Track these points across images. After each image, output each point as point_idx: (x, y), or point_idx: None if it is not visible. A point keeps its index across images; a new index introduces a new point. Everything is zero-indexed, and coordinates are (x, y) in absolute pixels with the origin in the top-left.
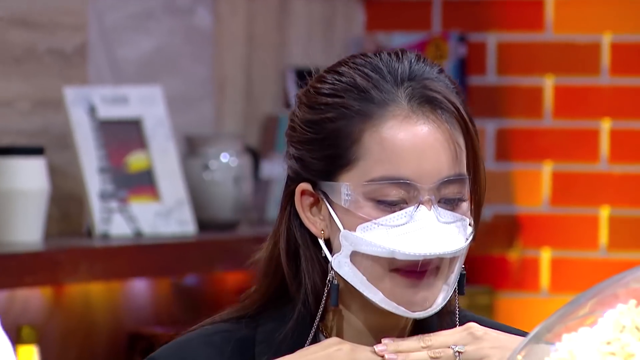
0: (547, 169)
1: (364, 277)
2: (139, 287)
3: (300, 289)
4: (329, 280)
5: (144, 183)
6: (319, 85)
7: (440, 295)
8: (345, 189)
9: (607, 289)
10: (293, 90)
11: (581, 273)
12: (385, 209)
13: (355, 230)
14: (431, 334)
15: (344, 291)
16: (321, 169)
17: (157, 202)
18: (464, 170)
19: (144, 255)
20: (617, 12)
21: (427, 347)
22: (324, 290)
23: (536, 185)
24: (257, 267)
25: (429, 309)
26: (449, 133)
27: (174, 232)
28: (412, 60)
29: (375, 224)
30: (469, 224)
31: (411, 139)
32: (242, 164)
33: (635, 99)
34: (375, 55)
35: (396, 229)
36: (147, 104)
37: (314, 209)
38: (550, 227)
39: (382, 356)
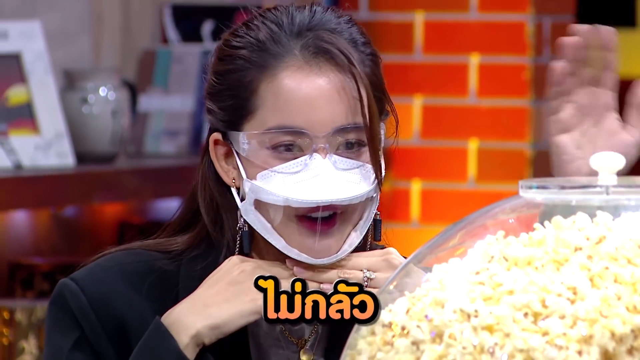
0: (417, 103)
1: (268, 224)
2: (19, 219)
3: (222, 234)
4: (239, 227)
5: (23, 116)
6: (230, 38)
7: (346, 242)
8: (243, 137)
9: (476, 221)
10: (170, 25)
11: (451, 204)
12: (281, 157)
13: (256, 179)
14: (351, 254)
15: (258, 238)
16: (227, 119)
17: (37, 135)
18: (361, 119)
19: (24, 187)
20: None
21: (340, 267)
22: (237, 234)
23: (407, 119)
24: (180, 212)
25: (333, 256)
26: (342, 84)
27: (53, 165)
28: (317, 11)
29: (272, 172)
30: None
31: (303, 89)
32: (120, 98)
33: (503, 34)
34: (286, 7)
35: (292, 176)
36: (26, 39)
37: (228, 159)
38: (420, 159)
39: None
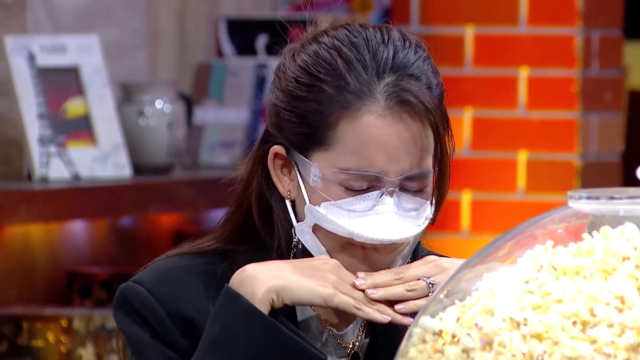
0: (468, 115)
1: (324, 248)
2: (77, 229)
3: (273, 238)
4: (294, 245)
5: (81, 128)
6: (302, 56)
7: (394, 267)
8: (315, 169)
9: (526, 231)
10: (225, 39)
11: (500, 215)
12: (350, 192)
13: (319, 206)
14: (399, 267)
15: (309, 253)
16: (296, 142)
17: (94, 147)
18: (429, 165)
19: (81, 198)
20: None
21: (400, 280)
22: (292, 250)
23: (457, 131)
24: (229, 199)
25: None
26: (419, 133)
27: (110, 176)
28: (398, 46)
29: (338, 205)
30: (430, 203)
31: (383, 137)
32: (176, 110)
33: (552, 47)
34: (359, 31)
35: (358, 212)
36: (84, 53)
37: (285, 169)
38: (470, 171)
39: (363, 290)
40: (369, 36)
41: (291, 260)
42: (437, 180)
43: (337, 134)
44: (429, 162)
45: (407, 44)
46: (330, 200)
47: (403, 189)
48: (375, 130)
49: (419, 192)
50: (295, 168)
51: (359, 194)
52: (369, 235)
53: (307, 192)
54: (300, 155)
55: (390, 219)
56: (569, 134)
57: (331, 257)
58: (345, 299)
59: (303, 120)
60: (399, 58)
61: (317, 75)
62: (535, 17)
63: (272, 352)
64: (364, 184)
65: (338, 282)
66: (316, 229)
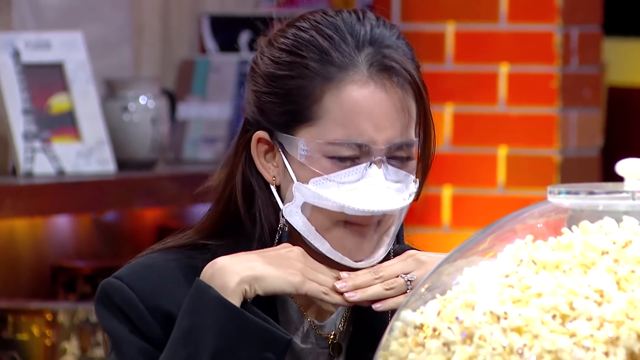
0: (448, 111)
1: (313, 228)
2: (62, 223)
3: (255, 226)
4: (280, 227)
5: (66, 124)
6: (281, 40)
7: (381, 247)
8: (302, 144)
9: (506, 225)
10: (208, 36)
11: (480, 209)
12: (339, 165)
13: (307, 183)
14: (379, 265)
15: (296, 235)
16: (280, 122)
17: (79, 142)
18: (413, 134)
19: (66, 193)
20: None
21: (379, 279)
22: (277, 233)
23: (438, 126)
24: (211, 194)
25: (371, 260)
26: (403, 100)
27: (95, 171)
28: (373, 24)
29: (327, 179)
30: (414, 181)
31: (369, 105)
32: (160, 106)
33: (531, 44)
34: (336, 14)
35: (347, 185)
36: (68, 49)
37: (269, 155)
38: (451, 166)
39: (341, 293)
40: (344, 17)
41: (258, 251)
42: (420, 151)
43: (322, 107)
44: (413, 132)
45: (382, 21)
46: (318, 175)
47: (390, 159)
48: (360, 99)
49: (405, 161)
50: (280, 150)
51: (347, 167)
52: (359, 206)
53: (294, 171)
54: (286, 135)
55: (379, 190)
56: (548, 129)
57: (322, 236)
58: (314, 286)
59: (286, 99)
60: (376, 33)
61: (298, 53)
62: (515, 14)
63: (241, 339)
64: (352, 153)
65: (305, 270)
66: (305, 208)
